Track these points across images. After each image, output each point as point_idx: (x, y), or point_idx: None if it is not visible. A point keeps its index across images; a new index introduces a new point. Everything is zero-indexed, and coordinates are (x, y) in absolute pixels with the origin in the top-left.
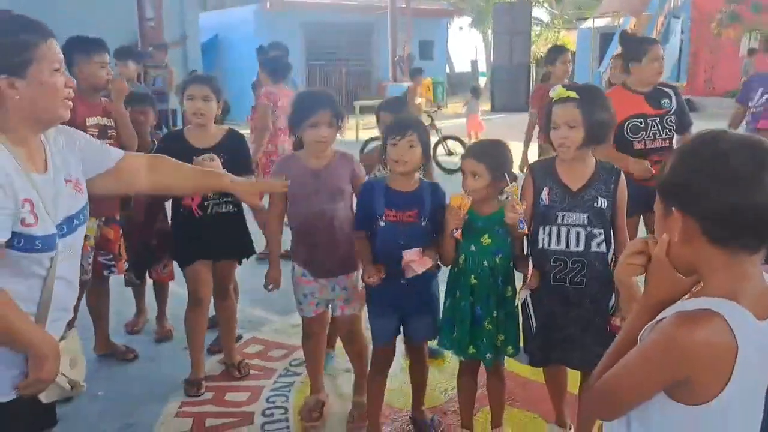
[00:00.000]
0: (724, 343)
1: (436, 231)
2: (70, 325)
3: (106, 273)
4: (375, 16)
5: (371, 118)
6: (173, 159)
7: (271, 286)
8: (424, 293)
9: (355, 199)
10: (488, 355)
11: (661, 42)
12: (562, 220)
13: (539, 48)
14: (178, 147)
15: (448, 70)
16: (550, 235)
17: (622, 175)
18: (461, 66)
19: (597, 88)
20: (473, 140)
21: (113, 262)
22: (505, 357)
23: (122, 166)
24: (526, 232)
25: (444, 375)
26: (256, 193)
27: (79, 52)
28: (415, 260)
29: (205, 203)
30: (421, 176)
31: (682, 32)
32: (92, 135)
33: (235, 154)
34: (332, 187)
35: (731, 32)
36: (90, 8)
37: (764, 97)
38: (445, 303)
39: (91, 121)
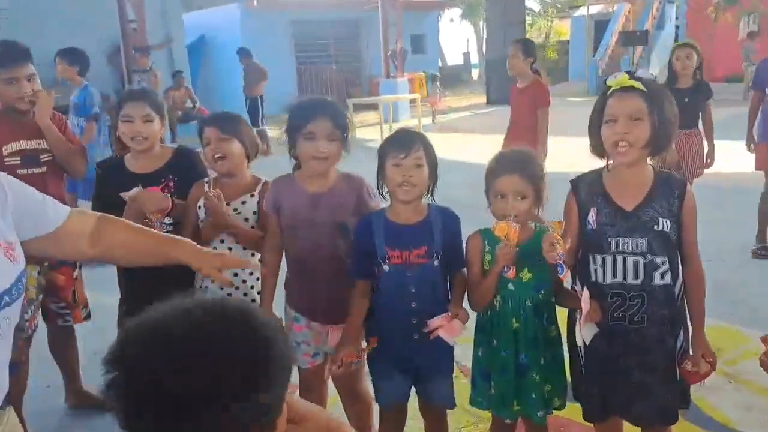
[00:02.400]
0: None
1: (453, 268)
2: (5, 403)
3: (60, 323)
4: (364, 11)
5: (366, 116)
6: (127, 223)
7: None
8: (440, 348)
9: None
10: (539, 412)
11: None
12: (616, 247)
13: (532, 38)
14: (118, 176)
15: (440, 63)
16: (603, 266)
17: (689, 187)
18: (453, 59)
19: (660, 84)
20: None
21: (67, 311)
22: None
23: (62, 231)
24: (564, 278)
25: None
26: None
27: None
28: (444, 326)
29: None
30: (429, 202)
31: (677, 18)
32: (13, 164)
33: (186, 174)
34: (334, 216)
35: (728, 16)
36: (71, 12)
37: None
38: (475, 354)
39: (9, 148)
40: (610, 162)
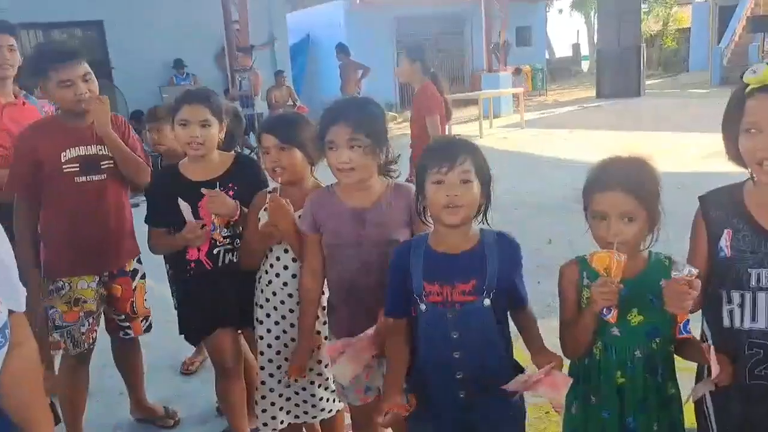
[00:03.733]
0: None
1: (515, 306)
2: None
3: (121, 335)
4: (469, 4)
5: (466, 112)
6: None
7: (292, 378)
8: (503, 412)
9: None
10: None
11: None
12: (758, 281)
13: (649, 27)
14: (173, 184)
15: (547, 56)
16: (741, 305)
17: None
18: (562, 51)
19: None
20: None
21: (127, 323)
22: None
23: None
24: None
25: None
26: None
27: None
28: (543, 381)
29: (215, 251)
30: (482, 226)
31: None
32: (72, 172)
33: (247, 183)
34: (382, 234)
35: None
36: (179, 16)
37: None
38: (567, 412)
39: (67, 154)
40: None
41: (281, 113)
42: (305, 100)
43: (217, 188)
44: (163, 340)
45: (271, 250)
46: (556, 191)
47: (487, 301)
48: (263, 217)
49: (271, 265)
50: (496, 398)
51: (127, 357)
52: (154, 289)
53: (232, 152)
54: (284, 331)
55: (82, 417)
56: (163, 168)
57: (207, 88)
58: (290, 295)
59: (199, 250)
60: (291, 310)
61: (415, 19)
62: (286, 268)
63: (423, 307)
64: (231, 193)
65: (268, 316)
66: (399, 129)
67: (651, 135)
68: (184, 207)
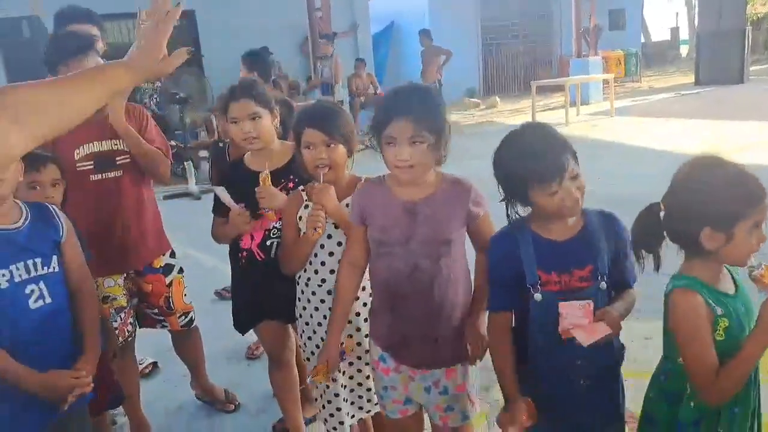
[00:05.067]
0: None
1: (622, 288)
2: None
3: (158, 328)
4: None
5: (552, 99)
6: None
7: (316, 379)
8: (615, 392)
9: (473, 252)
10: None
11: None
12: None
13: (756, 9)
14: (236, 174)
15: (643, 40)
16: None
17: None
18: (659, 35)
19: None
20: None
21: (161, 317)
22: None
23: None
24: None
25: None
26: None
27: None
28: (584, 326)
29: (268, 242)
30: (585, 207)
31: None
32: (86, 170)
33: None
34: (435, 231)
35: None
36: (264, 4)
37: None
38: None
39: (81, 151)
40: None
41: (320, 105)
42: (388, 87)
43: (267, 176)
44: (230, 326)
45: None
46: (643, 184)
47: (603, 285)
48: (304, 215)
49: (310, 263)
50: (609, 386)
51: (183, 346)
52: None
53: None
54: (319, 324)
55: (137, 401)
56: (231, 160)
57: (251, 79)
58: (329, 292)
59: (252, 239)
60: (323, 301)
61: (500, 2)
62: (323, 264)
63: (538, 297)
64: (291, 185)
65: (304, 309)
66: (482, 116)
67: (752, 125)
68: (220, 191)
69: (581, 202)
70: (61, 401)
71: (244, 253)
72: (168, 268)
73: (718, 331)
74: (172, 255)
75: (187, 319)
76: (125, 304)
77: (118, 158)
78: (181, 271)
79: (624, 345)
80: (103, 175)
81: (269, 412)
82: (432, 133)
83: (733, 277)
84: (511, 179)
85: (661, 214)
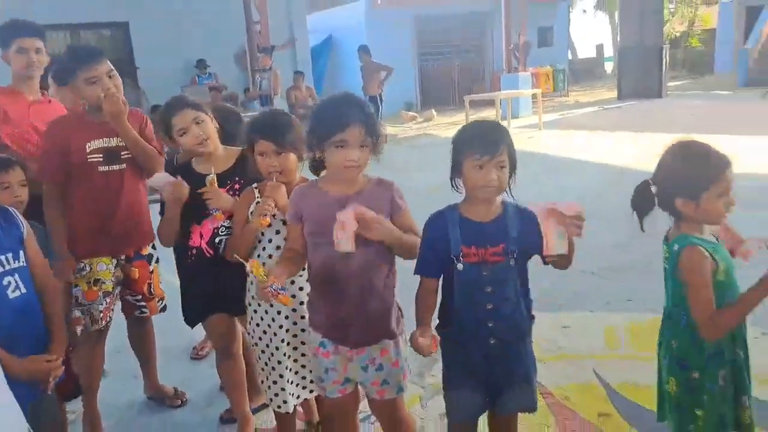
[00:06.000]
0: None
1: (526, 268)
2: None
3: (137, 314)
4: (489, 4)
5: (483, 113)
6: None
7: (254, 271)
8: (523, 353)
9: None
10: None
11: None
12: None
13: (674, 28)
14: (186, 178)
15: (570, 57)
16: None
17: None
18: (585, 52)
19: None
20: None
21: (143, 303)
22: None
23: None
24: None
25: None
26: None
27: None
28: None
29: (216, 240)
30: (506, 200)
31: None
32: (95, 161)
33: (252, 180)
34: None
35: None
36: (201, 17)
37: None
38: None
39: (92, 145)
40: None
41: (272, 115)
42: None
43: (214, 178)
44: (175, 327)
45: (260, 241)
46: (566, 192)
47: (512, 262)
48: (254, 211)
49: (258, 255)
50: (515, 354)
51: (141, 336)
52: (164, 277)
53: (238, 148)
54: (266, 312)
55: (96, 393)
56: (178, 165)
57: (181, 95)
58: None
59: (201, 237)
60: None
61: (435, 18)
62: (271, 257)
63: (460, 266)
64: (237, 186)
65: (252, 298)
66: (420, 129)
67: (669, 137)
68: (158, 177)
69: (501, 190)
70: (45, 383)
71: (194, 251)
72: (150, 257)
73: (720, 273)
74: (153, 246)
75: (162, 305)
76: (111, 290)
77: (122, 153)
78: (157, 260)
79: (534, 316)
80: (109, 167)
81: (217, 404)
82: (373, 136)
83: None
84: (455, 148)
85: (653, 188)
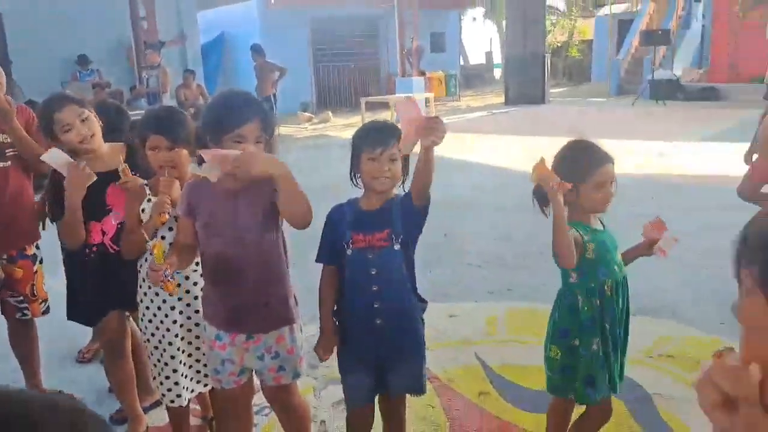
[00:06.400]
0: None
1: (411, 253)
2: None
3: (18, 316)
4: (383, 8)
5: (379, 115)
6: None
7: (156, 255)
8: (410, 334)
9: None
10: None
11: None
12: None
13: (556, 38)
14: None
15: (462, 63)
16: None
17: None
18: (476, 58)
19: None
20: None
21: (25, 304)
22: None
23: None
24: None
25: None
26: None
27: None
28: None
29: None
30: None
31: (703, 17)
32: None
33: (143, 172)
34: (258, 206)
35: (756, 14)
36: (83, 10)
37: None
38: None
39: None
40: None
41: (164, 111)
42: None
43: (126, 167)
44: (59, 332)
45: (154, 237)
46: (456, 191)
47: (397, 246)
48: (147, 207)
49: (150, 253)
50: (401, 335)
51: (24, 339)
52: (46, 280)
53: (121, 144)
54: (159, 308)
55: (35, 364)
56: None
57: (62, 92)
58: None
59: (104, 233)
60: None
61: (331, 20)
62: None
63: (349, 252)
64: None
65: (145, 294)
66: (316, 130)
67: (550, 140)
68: (51, 155)
69: (395, 182)
70: None
71: (95, 248)
72: (35, 257)
73: (588, 251)
74: (38, 246)
75: (45, 306)
76: None
77: (7, 150)
78: (41, 261)
79: (426, 301)
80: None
81: (106, 405)
82: (268, 133)
83: (602, 222)
84: (354, 145)
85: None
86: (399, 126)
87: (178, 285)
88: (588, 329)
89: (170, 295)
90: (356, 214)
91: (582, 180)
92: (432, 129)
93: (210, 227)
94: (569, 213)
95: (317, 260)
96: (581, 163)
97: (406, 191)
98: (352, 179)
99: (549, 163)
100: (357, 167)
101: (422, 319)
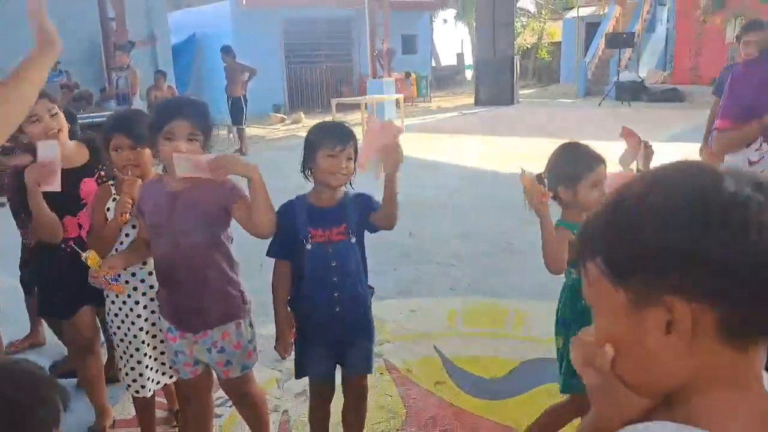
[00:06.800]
0: None
1: (363, 245)
2: None
3: None
4: (355, 10)
5: (352, 116)
6: None
7: (90, 261)
8: (364, 318)
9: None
10: None
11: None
12: None
13: (526, 39)
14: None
15: (434, 64)
16: None
17: None
18: (448, 60)
19: None
20: None
21: None
22: None
23: None
24: None
25: None
26: None
27: None
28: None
29: None
30: (346, 190)
31: (668, 21)
32: None
33: (111, 166)
34: (198, 209)
35: (717, 19)
36: (51, 8)
37: None
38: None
39: None
40: None
41: (128, 112)
42: None
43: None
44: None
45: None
46: (424, 191)
47: (353, 239)
48: (111, 208)
49: (116, 249)
50: (356, 319)
51: None
52: None
53: (82, 140)
54: (124, 302)
55: None
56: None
57: None
58: (133, 274)
59: (80, 227)
60: (126, 282)
61: (303, 21)
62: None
63: (309, 246)
64: (103, 173)
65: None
66: (288, 131)
67: (520, 140)
68: (43, 148)
69: (348, 178)
70: None
71: (71, 242)
72: None
73: None
74: None
75: None
76: None
77: None
78: None
79: (372, 288)
80: None
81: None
82: (203, 132)
83: None
84: (310, 141)
85: (545, 181)
86: (361, 145)
87: (126, 282)
88: (585, 321)
89: (117, 296)
90: (311, 210)
91: (579, 180)
92: (394, 151)
93: (152, 228)
94: (565, 213)
95: (268, 254)
96: (578, 163)
97: (360, 193)
98: (304, 173)
99: (534, 169)
100: (312, 162)
101: (370, 303)
